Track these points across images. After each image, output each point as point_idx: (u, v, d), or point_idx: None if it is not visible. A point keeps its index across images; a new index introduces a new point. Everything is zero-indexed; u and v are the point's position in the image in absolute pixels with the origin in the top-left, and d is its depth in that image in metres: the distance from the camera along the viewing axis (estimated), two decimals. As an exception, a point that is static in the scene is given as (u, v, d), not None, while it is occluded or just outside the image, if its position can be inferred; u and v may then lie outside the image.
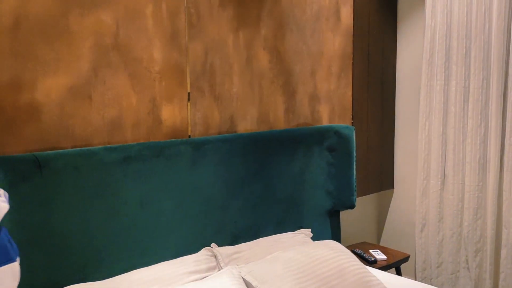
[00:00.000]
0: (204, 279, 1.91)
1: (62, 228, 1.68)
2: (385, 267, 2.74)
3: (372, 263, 2.74)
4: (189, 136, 2.15)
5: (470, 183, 2.89)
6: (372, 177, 3.22)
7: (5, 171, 1.52)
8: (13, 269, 1.12)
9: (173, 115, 2.09)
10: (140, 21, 1.95)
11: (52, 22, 1.71)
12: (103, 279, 1.76)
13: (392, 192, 3.43)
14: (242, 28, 2.33)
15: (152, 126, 2.02)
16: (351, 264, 2.13)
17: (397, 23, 3.31)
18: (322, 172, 2.62)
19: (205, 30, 2.18)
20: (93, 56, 1.82)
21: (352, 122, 2.95)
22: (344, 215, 2.97)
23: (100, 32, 1.83)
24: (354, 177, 2.65)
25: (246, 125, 2.39)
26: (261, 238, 2.32)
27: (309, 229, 2.51)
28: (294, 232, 2.46)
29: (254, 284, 1.90)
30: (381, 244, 3.51)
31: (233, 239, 2.24)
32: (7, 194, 1.15)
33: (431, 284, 2.97)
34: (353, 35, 2.92)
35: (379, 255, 2.83)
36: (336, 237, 2.70)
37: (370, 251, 2.91)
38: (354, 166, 2.65)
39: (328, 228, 2.67)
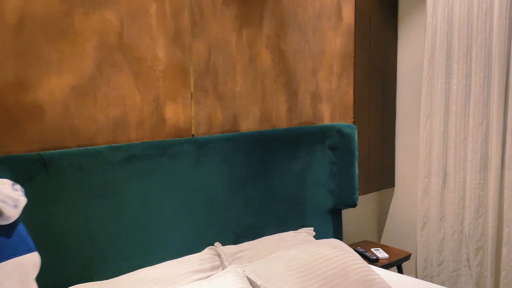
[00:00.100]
0: (208, 278, 1.91)
1: (67, 227, 1.68)
2: (386, 266, 2.75)
3: (374, 261, 2.75)
4: (193, 135, 2.15)
5: (471, 181, 2.90)
6: (373, 175, 3.23)
7: (11, 170, 1.52)
8: (34, 259, 1.18)
9: (176, 114, 2.09)
10: (144, 20, 1.95)
11: (56, 21, 1.71)
12: (107, 278, 1.76)
13: (393, 191, 3.44)
14: (245, 27, 2.33)
15: (156, 125, 2.02)
16: (354, 263, 2.13)
17: (398, 22, 3.32)
18: (324, 171, 2.63)
19: (209, 29, 2.18)
20: (97, 55, 1.82)
21: (353, 121, 2.96)
22: (345, 213, 2.98)
23: (104, 31, 1.83)
24: (356, 175, 2.66)
25: (249, 124, 2.39)
26: (264, 237, 2.32)
27: (312, 228, 2.52)
28: (297, 231, 2.46)
29: (258, 282, 1.90)
30: (382, 242, 3.52)
31: (236, 238, 2.24)
32: (23, 189, 1.18)
33: (432, 282, 2.98)
34: (355, 34, 2.93)
35: (381, 254, 2.84)
36: (338, 235, 2.70)
37: (372, 249, 2.92)
38: (356, 165, 2.66)
39: (330, 226, 2.68)
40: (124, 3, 1.88)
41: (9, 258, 1.11)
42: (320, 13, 2.71)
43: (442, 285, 3.04)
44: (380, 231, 3.54)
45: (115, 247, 1.81)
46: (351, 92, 2.94)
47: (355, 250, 2.87)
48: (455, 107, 2.94)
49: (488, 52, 2.82)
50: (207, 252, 2.07)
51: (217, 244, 2.13)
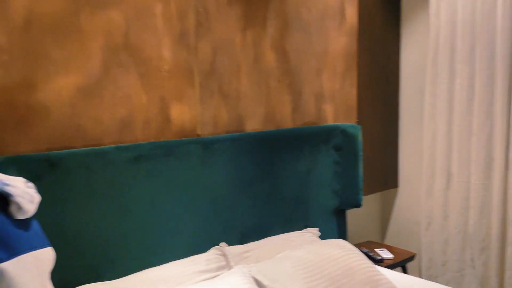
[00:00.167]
0: (215, 278, 1.91)
1: (75, 227, 1.67)
2: (391, 266, 2.75)
3: (379, 262, 2.74)
4: (198, 135, 2.15)
5: (475, 181, 2.89)
6: (376, 176, 3.23)
7: (19, 170, 1.52)
8: (50, 254, 1.23)
9: (182, 114, 2.08)
10: (150, 20, 1.95)
11: (63, 21, 1.71)
12: (115, 278, 1.76)
13: (397, 191, 3.44)
14: (250, 27, 2.33)
15: (162, 125, 2.02)
16: (360, 263, 2.13)
17: (401, 22, 3.32)
18: (328, 171, 2.62)
19: (213, 29, 2.18)
20: (103, 55, 1.82)
21: (357, 121, 2.96)
22: (348, 214, 2.97)
23: (110, 31, 1.83)
24: (361, 176, 2.65)
25: (254, 124, 2.39)
26: (269, 237, 2.32)
27: (317, 228, 2.52)
28: (302, 231, 2.46)
29: (265, 283, 1.90)
30: (386, 243, 3.52)
31: (242, 238, 2.24)
32: (35, 187, 1.19)
33: (437, 283, 2.98)
34: (358, 34, 2.93)
35: (386, 254, 2.84)
36: (343, 236, 2.70)
37: (376, 250, 2.92)
38: (361, 165, 2.65)
39: (334, 227, 2.67)
40: (130, 3, 1.88)
41: (28, 251, 1.14)
42: (324, 13, 2.71)
43: (447, 285, 3.04)
44: (383, 232, 3.53)
45: (122, 247, 1.81)
46: (355, 92, 2.94)
47: (360, 251, 2.86)
48: (459, 107, 2.94)
49: (491, 52, 2.82)
50: (213, 252, 2.07)
51: (222, 244, 2.13)
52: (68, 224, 1.66)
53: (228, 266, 2.03)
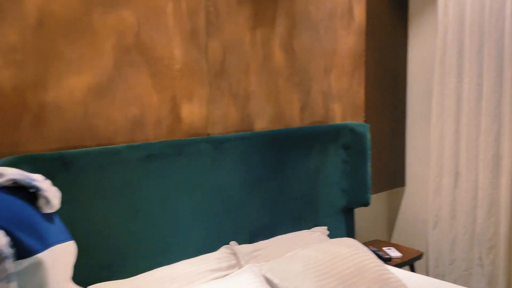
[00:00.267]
0: (226, 277, 1.91)
1: (87, 226, 1.68)
2: (399, 265, 2.75)
3: (387, 260, 2.75)
4: (208, 135, 2.16)
5: (483, 180, 2.89)
6: (383, 174, 3.23)
7: (32, 169, 1.51)
8: (73, 247, 1.28)
9: (192, 113, 2.09)
10: (161, 19, 1.95)
11: (76, 21, 1.72)
12: (126, 277, 1.77)
13: (404, 190, 3.44)
14: (259, 27, 2.34)
15: (172, 125, 2.03)
16: (369, 262, 2.13)
17: (409, 21, 3.32)
18: (337, 170, 2.63)
19: (223, 28, 2.18)
20: (115, 54, 1.82)
21: (365, 120, 2.96)
22: (355, 212, 2.97)
23: (122, 30, 1.84)
24: (369, 174, 2.66)
25: (263, 123, 2.39)
26: (278, 236, 2.32)
27: (326, 227, 2.52)
28: (311, 229, 2.46)
29: (275, 281, 1.90)
30: (393, 241, 3.52)
31: (251, 237, 2.25)
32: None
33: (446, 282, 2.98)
34: (366, 33, 2.93)
35: (394, 253, 2.84)
36: (351, 234, 2.70)
37: (384, 248, 2.92)
38: (369, 164, 2.66)
39: (342, 225, 2.68)
40: (141, 2, 1.89)
41: (56, 244, 1.18)
42: (332, 13, 2.71)
43: (454, 284, 3.04)
44: (390, 230, 3.54)
45: (134, 246, 1.82)
46: (362, 91, 2.94)
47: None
48: (467, 106, 2.94)
49: (500, 51, 2.81)
50: (223, 251, 2.07)
51: (232, 243, 2.13)
52: (80, 223, 1.67)
53: (238, 265, 2.04)
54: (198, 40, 2.09)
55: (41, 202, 1.20)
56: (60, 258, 1.19)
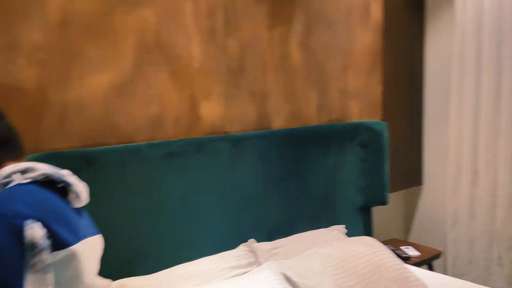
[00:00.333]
0: (245, 274, 1.92)
1: (109, 223, 1.70)
2: (417, 264, 2.73)
3: (406, 259, 2.73)
4: (226, 133, 2.17)
5: (503, 179, 2.86)
6: (400, 173, 3.21)
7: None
8: (101, 241, 1.31)
9: (211, 111, 2.10)
10: (180, 19, 1.97)
11: (97, 20, 1.74)
12: (147, 273, 1.79)
13: (421, 189, 3.41)
14: (276, 25, 2.34)
15: (191, 123, 2.04)
16: (388, 260, 2.12)
17: (426, 19, 3.30)
18: (354, 168, 2.62)
19: (241, 27, 2.19)
20: (136, 53, 1.84)
21: (382, 118, 2.94)
22: (372, 211, 2.96)
23: (143, 29, 1.86)
24: (387, 173, 2.64)
25: (280, 121, 2.39)
26: (296, 234, 2.32)
27: (343, 226, 2.52)
28: (328, 228, 2.46)
29: (294, 279, 1.90)
30: (410, 240, 3.49)
31: (270, 235, 2.25)
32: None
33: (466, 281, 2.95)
34: (383, 31, 2.92)
35: (412, 252, 2.83)
36: (368, 233, 2.69)
37: (402, 247, 2.91)
38: (387, 162, 2.64)
39: (360, 224, 2.67)
40: (161, 2, 1.90)
41: (87, 237, 1.21)
42: (349, 11, 2.70)
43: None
44: (407, 229, 3.51)
45: (154, 242, 1.83)
46: (380, 89, 2.93)
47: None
48: (486, 104, 2.90)
49: (519, 48, 2.78)
50: (242, 248, 2.08)
51: (251, 240, 2.14)
52: (102, 219, 1.67)
53: (257, 263, 2.04)
54: (217, 39, 2.10)
55: (71, 197, 1.22)
56: (89, 251, 1.22)
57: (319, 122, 2.58)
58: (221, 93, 2.13)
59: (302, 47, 2.47)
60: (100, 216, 1.67)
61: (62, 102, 1.66)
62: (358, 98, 2.79)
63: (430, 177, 3.37)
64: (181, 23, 1.97)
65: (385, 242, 3.03)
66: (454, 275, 3.09)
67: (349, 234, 2.48)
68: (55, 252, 1.08)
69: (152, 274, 1.78)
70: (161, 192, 1.85)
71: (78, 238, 1.16)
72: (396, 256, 2.75)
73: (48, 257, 1.05)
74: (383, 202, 2.66)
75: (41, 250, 1.04)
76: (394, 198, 3.37)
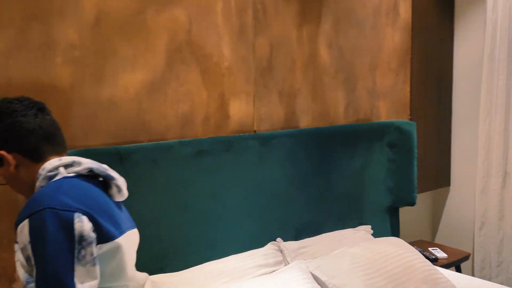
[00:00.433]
0: (274, 272, 1.92)
1: (141, 219, 1.70)
2: (445, 266, 2.70)
3: (433, 261, 2.70)
4: (254, 131, 2.17)
5: (534, 180, 2.80)
6: (428, 174, 3.16)
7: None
8: (137, 233, 1.35)
9: (240, 110, 2.11)
10: (211, 18, 1.98)
11: (130, 19, 1.76)
12: (177, 270, 1.80)
13: (448, 190, 3.36)
14: (305, 24, 2.33)
15: (220, 121, 2.05)
16: (418, 261, 2.10)
17: (455, 18, 3.24)
18: (382, 168, 2.60)
19: (270, 25, 2.19)
20: (167, 52, 1.85)
21: (410, 118, 2.91)
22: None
23: (174, 28, 1.87)
24: (415, 173, 2.61)
25: (308, 120, 2.39)
26: (323, 234, 2.31)
27: (370, 226, 2.50)
28: (355, 228, 2.44)
29: (323, 279, 1.90)
30: (436, 242, 3.45)
31: (297, 234, 2.25)
32: None
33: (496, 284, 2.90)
34: (411, 30, 2.88)
35: (439, 253, 2.79)
36: (395, 234, 2.67)
37: (429, 249, 2.87)
38: (415, 163, 2.61)
39: (387, 225, 2.64)
40: (193, 1, 1.91)
41: (128, 230, 1.24)
42: (378, 9, 2.68)
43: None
44: (434, 231, 3.47)
45: (184, 239, 1.85)
46: (408, 89, 2.90)
47: (413, 249, 2.82)
48: (517, 104, 2.85)
49: (553, 47, 2.72)
50: (270, 247, 2.08)
51: (278, 239, 2.14)
52: (135, 216, 1.69)
53: (284, 262, 2.04)
54: (246, 37, 2.11)
55: (113, 191, 1.24)
56: (130, 244, 1.24)
57: (346, 122, 2.56)
58: (250, 92, 2.13)
59: (331, 46, 2.46)
60: (131, 212, 1.69)
61: (95, 100, 1.69)
62: (386, 98, 2.77)
63: (457, 178, 3.32)
64: (212, 22, 1.98)
65: (411, 243, 2.99)
66: (482, 278, 3.04)
67: (376, 234, 2.45)
68: (100, 245, 1.10)
69: (181, 271, 1.79)
70: (191, 190, 1.86)
71: (121, 231, 1.18)
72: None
73: (95, 249, 1.07)
74: (411, 203, 2.63)
75: (90, 243, 1.06)
76: (421, 199, 3.33)
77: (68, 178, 1.16)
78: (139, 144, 1.74)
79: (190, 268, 1.82)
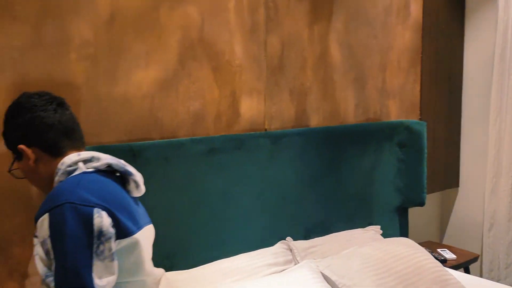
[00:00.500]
0: (284, 271, 1.92)
1: (153, 217, 1.70)
2: (454, 267, 2.68)
3: (442, 262, 2.68)
4: (265, 130, 2.17)
5: (545, 182, 2.79)
6: (436, 175, 3.15)
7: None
8: (153, 229, 1.34)
9: (251, 108, 2.10)
10: (223, 15, 1.97)
11: (144, 16, 1.76)
12: (188, 268, 1.80)
13: (457, 191, 3.35)
14: (317, 22, 2.33)
15: (231, 119, 2.05)
16: (427, 262, 2.10)
17: (466, 18, 3.23)
18: (391, 168, 2.59)
19: (282, 24, 2.19)
20: (180, 49, 1.85)
21: (420, 118, 2.90)
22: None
23: (187, 26, 1.87)
24: (425, 173, 2.60)
25: (319, 119, 2.38)
26: (333, 233, 2.31)
27: (379, 226, 2.49)
28: (365, 228, 2.44)
29: (333, 278, 1.90)
30: (445, 243, 3.43)
31: (306, 234, 2.25)
32: None
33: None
34: (422, 29, 2.87)
35: (448, 254, 2.78)
36: (404, 234, 2.66)
37: (438, 250, 2.86)
38: (425, 163, 2.60)
39: (396, 225, 2.64)
40: (205, -2, 1.91)
41: (145, 225, 1.25)
42: (389, 9, 2.67)
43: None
44: (442, 232, 3.45)
45: (195, 237, 1.85)
46: (418, 88, 2.89)
47: (421, 250, 2.81)
48: (528, 105, 2.83)
49: None
50: (280, 246, 2.08)
51: (288, 238, 2.14)
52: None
53: (294, 261, 2.04)
54: (258, 35, 2.10)
55: (131, 186, 1.24)
56: (147, 240, 1.25)
57: (356, 121, 2.56)
58: (261, 90, 2.13)
59: (341, 45, 2.45)
60: (144, 209, 1.71)
61: (109, 97, 1.69)
62: (396, 97, 2.76)
63: (466, 179, 3.30)
64: (224, 19, 1.98)
65: (420, 244, 2.98)
66: (491, 279, 3.03)
67: (385, 235, 2.45)
68: (119, 240, 1.10)
69: (192, 269, 1.79)
70: (203, 188, 1.86)
71: (139, 227, 1.18)
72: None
73: (114, 245, 1.08)
74: (421, 203, 2.62)
75: (109, 238, 1.06)
76: (430, 199, 3.31)
77: (87, 173, 1.16)
78: (151, 141, 1.75)
79: (200, 266, 1.82)
